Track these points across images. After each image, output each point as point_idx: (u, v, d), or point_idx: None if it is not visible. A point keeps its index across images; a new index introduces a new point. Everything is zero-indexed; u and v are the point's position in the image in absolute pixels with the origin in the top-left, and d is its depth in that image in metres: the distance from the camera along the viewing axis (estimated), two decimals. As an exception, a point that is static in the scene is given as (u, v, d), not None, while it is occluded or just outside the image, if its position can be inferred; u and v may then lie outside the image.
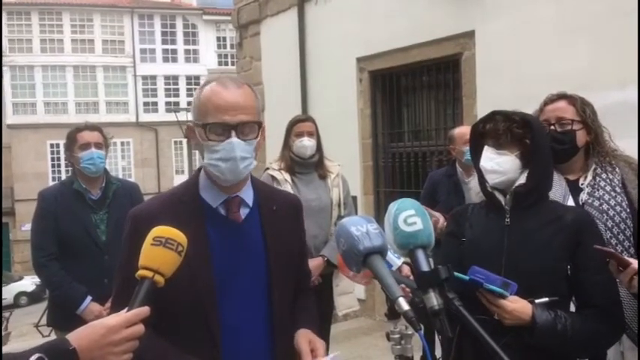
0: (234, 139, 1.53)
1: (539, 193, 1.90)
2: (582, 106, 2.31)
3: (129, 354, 1.21)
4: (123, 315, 1.22)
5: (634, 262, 1.72)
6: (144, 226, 1.41)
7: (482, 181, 1.95)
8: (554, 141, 2.22)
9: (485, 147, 1.92)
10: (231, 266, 1.60)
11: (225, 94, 1.55)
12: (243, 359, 1.57)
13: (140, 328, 1.22)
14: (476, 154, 1.99)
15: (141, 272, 1.28)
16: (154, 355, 1.49)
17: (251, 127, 1.57)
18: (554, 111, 2.31)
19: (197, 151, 1.68)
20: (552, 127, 2.27)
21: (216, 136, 1.54)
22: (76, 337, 1.18)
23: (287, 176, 3.64)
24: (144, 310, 1.23)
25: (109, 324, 1.19)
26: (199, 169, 1.69)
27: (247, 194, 1.67)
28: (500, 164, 1.87)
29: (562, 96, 2.36)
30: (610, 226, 2.18)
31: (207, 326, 1.55)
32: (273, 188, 1.95)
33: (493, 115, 1.93)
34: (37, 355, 1.11)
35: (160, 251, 1.29)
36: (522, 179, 1.87)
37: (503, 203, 1.89)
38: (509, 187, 1.88)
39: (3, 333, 15.19)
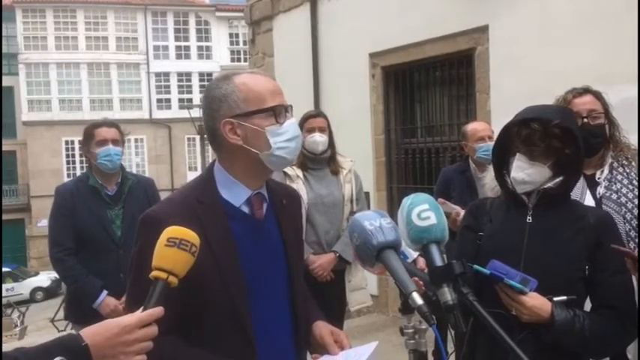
0: (293, 119, 1.61)
1: (565, 194, 1.87)
2: (604, 101, 2.33)
3: (141, 355, 1.20)
4: (137, 315, 1.21)
5: None
6: (163, 229, 1.35)
7: (501, 176, 1.91)
8: (590, 134, 2.21)
9: (517, 155, 1.82)
10: (258, 263, 1.59)
11: (267, 80, 1.63)
12: (274, 353, 1.56)
13: (154, 330, 1.22)
14: (501, 153, 1.91)
15: (155, 273, 1.26)
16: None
17: (291, 108, 1.64)
18: (585, 104, 2.31)
19: (214, 149, 1.64)
20: (585, 120, 2.26)
21: (280, 118, 1.58)
22: (88, 334, 1.18)
23: (299, 172, 3.64)
24: (158, 311, 1.22)
25: (123, 323, 1.19)
26: (211, 167, 1.66)
27: (264, 190, 1.67)
28: (530, 175, 1.80)
29: (587, 90, 2.36)
30: (629, 218, 2.19)
31: (242, 325, 1.54)
32: (278, 182, 1.94)
33: (529, 122, 1.80)
34: (57, 359, 1.11)
35: (174, 252, 1.28)
36: (551, 183, 1.81)
37: (526, 201, 1.86)
38: (536, 188, 1.84)
39: (20, 327, 15.41)
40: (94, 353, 1.16)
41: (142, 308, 1.23)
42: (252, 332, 1.55)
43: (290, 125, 1.59)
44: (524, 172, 1.81)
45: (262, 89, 1.57)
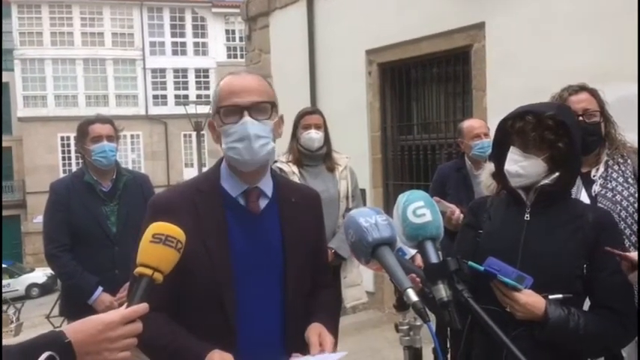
0: (246, 119, 1.57)
1: (564, 192, 1.86)
2: (601, 99, 2.32)
3: (125, 351, 1.20)
4: (121, 311, 1.20)
5: None
6: (164, 215, 1.41)
7: (501, 173, 1.90)
8: (585, 132, 2.18)
9: (512, 148, 1.83)
10: (249, 256, 1.62)
11: (237, 79, 1.62)
12: (257, 345, 1.58)
13: (138, 326, 1.21)
14: (499, 149, 1.90)
15: (139, 270, 1.26)
16: (167, 341, 1.52)
17: (264, 108, 1.61)
18: (580, 102, 2.30)
19: (209, 144, 1.70)
20: (581, 119, 2.25)
21: (229, 118, 1.58)
22: (72, 331, 1.17)
23: (295, 168, 3.64)
24: (142, 308, 1.21)
25: (106, 320, 1.18)
26: (221, 160, 1.71)
27: (267, 185, 1.69)
28: (524, 168, 1.79)
29: (583, 87, 2.35)
30: (624, 216, 2.18)
31: (224, 313, 1.57)
32: (293, 181, 1.96)
33: (524, 115, 1.80)
34: (47, 354, 1.10)
35: (160, 249, 1.28)
36: (548, 180, 1.80)
37: (524, 199, 1.85)
38: (533, 184, 1.82)
39: (15, 324, 15.38)
40: (78, 350, 1.15)
41: (125, 304, 1.23)
42: (234, 320, 1.58)
43: (240, 126, 1.57)
44: (518, 164, 1.81)
45: (224, 89, 1.60)
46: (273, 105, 1.64)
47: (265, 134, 1.59)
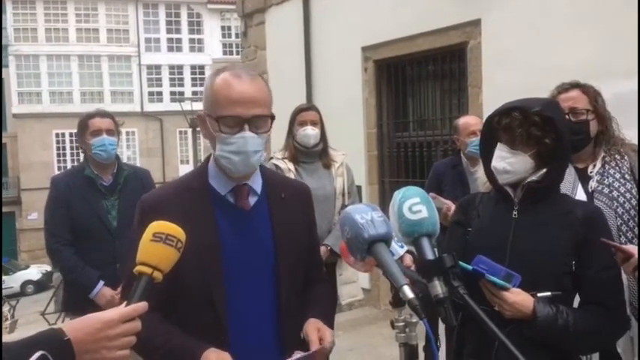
0: (247, 134, 1.53)
1: (552, 188, 1.85)
2: (595, 96, 2.30)
3: (124, 350, 1.19)
4: (120, 310, 1.20)
5: (635, 253, 1.73)
6: (153, 214, 1.41)
7: (489, 172, 1.90)
8: (571, 131, 2.14)
9: (499, 145, 1.82)
10: (239, 253, 1.60)
11: (239, 86, 1.53)
12: (250, 344, 1.58)
13: (137, 325, 1.21)
14: (486, 146, 1.90)
15: (139, 268, 1.25)
16: (161, 341, 1.51)
17: (264, 121, 1.57)
18: (568, 101, 2.28)
19: (205, 141, 1.69)
20: (567, 117, 2.22)
21: (228, 128, 1.53)
22: (71, 328, 1.17)
23: (290, 165, 3.64)
24: (141, 306, 1.21)
25: (105, 318, 1.18)
26: (209, 157, 1.69)
27: (256, 182, 1.68)
28: (512, 164, 1.79)
29: (575, 85, 2.34)
30: (620, 212, 2.18)
31: (215, 312, 1.56)
32: (282, 176, 1.93)
33: (510, 111, 1.79)
34: (39, 354, 1.09)
35: (160, 248, 1.27)
36: (535, 176, 1.79)
37: (512, 196, 1.84)
38: (521, 181, 1.82)
39: (10, 321, 15.33)
40: (77, 348, 1.14)
41: (125, 303, 1.22)
42: (226, 319, 1.57)
43: (240, 139, 1.53)
44: (506, 161, 1.80)
45: (225, 96, 1.53)
46: (273, 118, 1.60)
47: (261, 148, 1.59)
